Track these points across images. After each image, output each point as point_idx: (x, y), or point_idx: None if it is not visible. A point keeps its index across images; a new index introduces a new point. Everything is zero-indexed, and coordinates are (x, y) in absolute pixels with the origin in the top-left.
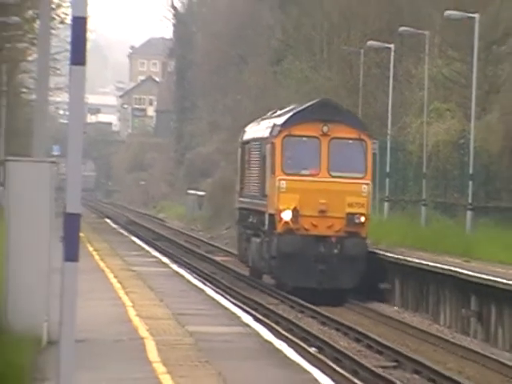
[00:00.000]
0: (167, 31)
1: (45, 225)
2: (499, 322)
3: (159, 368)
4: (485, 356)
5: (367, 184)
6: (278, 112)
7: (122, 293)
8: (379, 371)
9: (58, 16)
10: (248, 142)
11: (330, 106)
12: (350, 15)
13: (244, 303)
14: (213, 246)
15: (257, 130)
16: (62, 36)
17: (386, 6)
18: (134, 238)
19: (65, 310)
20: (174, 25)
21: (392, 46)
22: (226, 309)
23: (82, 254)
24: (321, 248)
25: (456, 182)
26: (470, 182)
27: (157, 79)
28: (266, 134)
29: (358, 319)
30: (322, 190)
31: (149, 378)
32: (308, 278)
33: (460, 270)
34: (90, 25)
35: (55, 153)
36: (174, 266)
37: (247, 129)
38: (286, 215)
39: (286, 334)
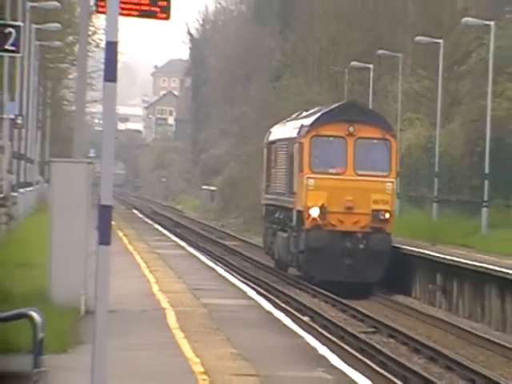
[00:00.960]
0: (185, 53)
1: (82, 214)
2: (460, 295)
3: (178, 334)
4: (448, 323)
5: (392, 182)
6: (304, 113)
7: (147, 271)
8: (361, 336)
9: (94, 41)
10: (274, 142)
11: (356, 107)
12: (336, 41)
13: (249, 280)
14: (223, 232)
15: (283, 130)
16: (97, 58)
17: (367, 33)
18: (157, 226)
19: (99, 286)
20: (191, 48)
21: (371, 66)
22: (233, 285)
23: (114, 238)
24: (347, 243)
25: (424, 179)
26: (436, 179)
27: (176, 93)
28: (293, 134)
29: (344, 293)
30: (348, 187)
31: (169, 342)
32: (335, 271)
33: (428, 252)
34: (120, 48)
35: (91, 155)
36: (190, 249)
37: (273, 130)
38: (314, 212)
39: (284, 305)
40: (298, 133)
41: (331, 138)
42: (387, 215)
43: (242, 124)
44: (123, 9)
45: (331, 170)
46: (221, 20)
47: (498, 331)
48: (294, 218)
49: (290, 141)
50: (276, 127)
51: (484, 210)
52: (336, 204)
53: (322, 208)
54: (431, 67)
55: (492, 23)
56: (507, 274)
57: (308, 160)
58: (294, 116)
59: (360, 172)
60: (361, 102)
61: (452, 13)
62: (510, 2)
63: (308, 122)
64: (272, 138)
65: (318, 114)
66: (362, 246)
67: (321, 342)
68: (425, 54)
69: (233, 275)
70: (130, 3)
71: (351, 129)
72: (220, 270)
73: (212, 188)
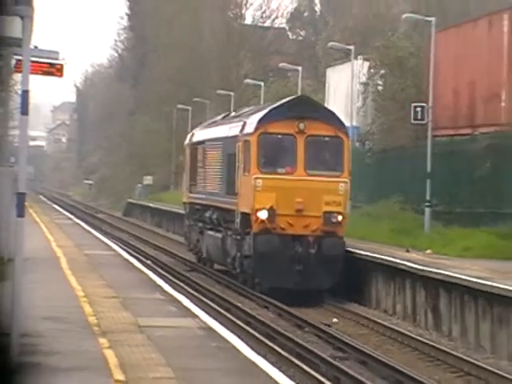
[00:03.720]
0: (73, 98)
1: (9, 198)
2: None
3: (68, 272)
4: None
5: (344, 182)
6: (232, 114)
7: (48, 234)
8: (184, 273)
9: (14, 89)
10: (202, 142)
11: (307, 103)
12: (169, 92)
13: (114, 239)
14: (97, 209)
15: (216, 130)
16: (16, 100)
17: (188, 88)
18: (55, 206)
19: (17, 243)
20: (77, 95)
21: (190, 108)
22: (103, 242)
23: (26, 213)
24: (297, 248)
25: None
26: None
27: (67, 123)
28: (233, 132)
29: (180, 249)
30: (298, 188)
31: (62, 278)
32: (284, 278)
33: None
34: (31, 94)
35: (12, 161)
36: (76, 220)
37: (197, 131)
38: (263, 214)
39: (136, 254)
40: (241, 130)
41: (280, 136)
42: (340, 218)
43: (109, 142)
44: (32, 69)
45: (280, 170)
46: (96, 78)
47: None
48: (238, 220)
49: (228, 140)
50: (201, 128)
51: None
52: (286, 206)
53: (270, 210)
54: (227, 110)
55: (262, 83)
56: None
57: (256, 159)
58: (219, 117)
59: (311, 172)
60: (310, 97)
61: (238, 76)
62: (273, 70)
63: (255, 118)
64: (198, 138)
65: (266, 110)
66: (313, 251)
67: (158, 276)
68: (223, 101)
69: (103, 235)
70: (36, 66)
71: (301, 126)
72: (95, 232)
73: (90, 182)
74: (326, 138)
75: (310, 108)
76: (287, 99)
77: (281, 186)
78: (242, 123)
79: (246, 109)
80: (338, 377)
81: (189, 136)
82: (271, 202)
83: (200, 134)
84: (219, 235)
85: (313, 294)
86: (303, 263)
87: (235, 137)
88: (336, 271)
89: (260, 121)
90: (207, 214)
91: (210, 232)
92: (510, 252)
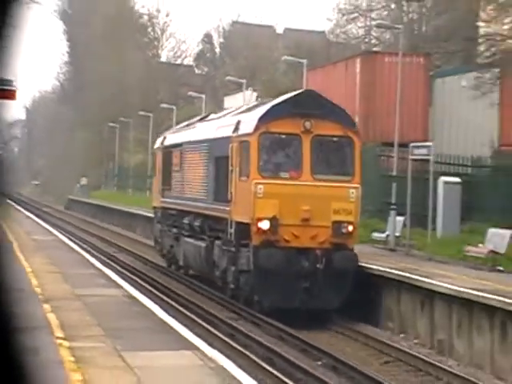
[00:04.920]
0: (24, 116)
1: None
2: None
3: (20, 255)
4: None
5: (356, 188)
6: (212, 116)
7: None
8: (112, 253)
9: None
10: (179, 145)
11: (313, 99)
12: (101, 114)
13: (57, 227)
14: (43, 204)
15: (196, 132)
16: None
17: (115, 110)
18: (8, 201)
19: None
20: (26, 114)
21: (118, 125)
22: (48, 230)
23: None
24: (303, 262)
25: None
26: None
27: (19, 136)
28: (223, 133)
29: (111, 235)
30: (304, 195)
31: (15, 257)
32: (289, 297)
33: None
34: None
35: None
36: (26, 212)
37: (169, 135)
38: (264, 224)
39: (75, 239)
40: (236, 130)
41: (283, 136)
42: (350, 228)
43: (52, 152)
44: None
45: (284, 175)
46: (42, 101)
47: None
48: (232, 230)
49: (216, 141)
50: (175, 131)
51: None
52: (290, 215)
53: (273, 220)
54: (147, 127)
55: (174, 107)
56: None
57: (256, 162)
58: (196, 119)
59: (318, 176)
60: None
61: (155, 101)
62: (183, 98)
63: (254, 116)
64: (173, 141)
65: (268, 107)
66: (320, 266)
67: (91, 256)
68: (144, 120)
69: (47, 225)
70: None
71: (308, 124)
72: (44, 224)
73: (36, 182)
74: (335, 139)
75: (316, 104)
76: (291, 94)
77: (285, 192)
78: (235, 122)
79: (231, 108)
80: (232, 333)
81: (160, 140)
82: (274, 211)
83: (175, 137)
84: (202, 244)
85: (320, 314)
86: (310, 280)
87: (227, 138)
88: (346, 288)
89: (261, 119)
90: (186, 221)
91: (189, 239)
92: (362, 238)
